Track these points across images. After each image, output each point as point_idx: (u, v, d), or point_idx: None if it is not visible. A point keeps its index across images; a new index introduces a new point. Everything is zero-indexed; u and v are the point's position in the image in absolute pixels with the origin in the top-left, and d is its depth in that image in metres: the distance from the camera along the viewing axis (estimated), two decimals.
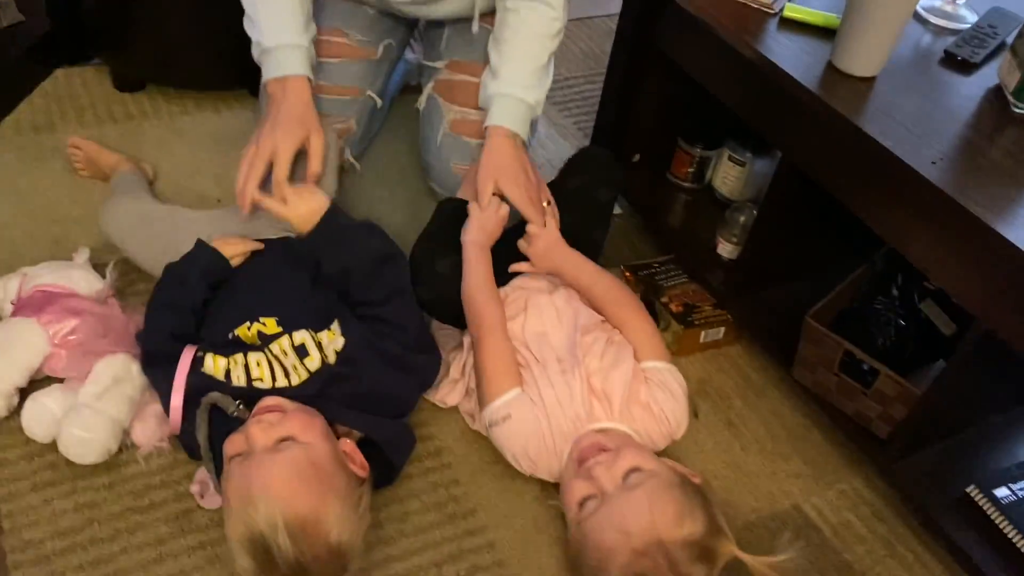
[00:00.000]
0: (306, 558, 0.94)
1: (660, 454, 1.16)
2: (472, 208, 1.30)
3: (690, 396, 1.23)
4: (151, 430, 1.17)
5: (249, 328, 1.18)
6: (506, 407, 1.15)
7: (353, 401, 1.14)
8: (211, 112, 1.77)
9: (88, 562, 1.07)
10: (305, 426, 1.06)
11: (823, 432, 1.35)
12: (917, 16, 1.33)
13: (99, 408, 1.13)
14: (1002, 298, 1.00)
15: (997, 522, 1.14)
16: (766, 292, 1.40)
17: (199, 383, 1.13)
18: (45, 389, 1.17)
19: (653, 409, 1.18)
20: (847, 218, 1.18)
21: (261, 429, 1.04)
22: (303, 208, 1.21)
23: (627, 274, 1.49)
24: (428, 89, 1.55)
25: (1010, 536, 1.13)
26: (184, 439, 1.15)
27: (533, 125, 1.43)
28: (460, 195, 1.38)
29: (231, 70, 1.74)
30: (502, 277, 1.28)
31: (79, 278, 1.28)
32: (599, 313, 1.27)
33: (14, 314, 1.22)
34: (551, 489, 1.19)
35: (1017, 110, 1.15)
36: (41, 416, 1.14)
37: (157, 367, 1.17)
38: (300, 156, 1.30)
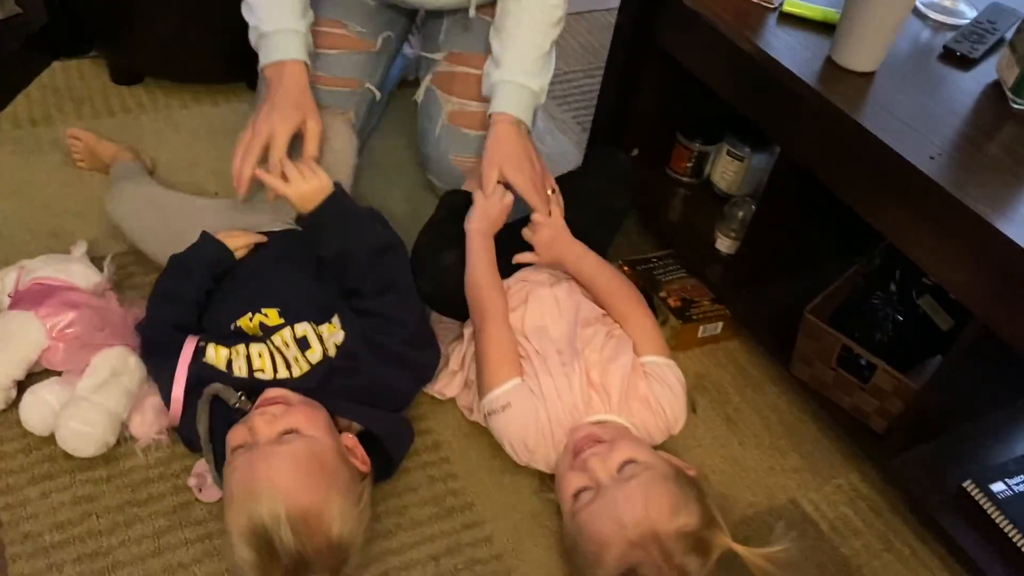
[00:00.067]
0: (307, 551, 0.94)
1: (657, 448, 1.16)
2: (476, 196, 1.29)
3: (688, 391, 1.23)
4: (149, 422, 1.17)
5: (251, 319, 1.18)
6: (506, 396, 1.15)
7: (353, 394, 1.14)
8: (209, 105, 1.77)
9: (86, 555, 1.07)
10: (309, 419, 1.06)
11: (820, 427, 1.35)
12: (916, 11, 1.33)
13: (97, 401, 1.13)
14: (999, 294, 1.00)
15: (993, 517, 1.15)
16: (764, 287, 1.40)
17: (200, 373, 1.13)
18: (43, 382, 1.17)
19: (651, 403, 1.18)
20: (845, 213, 1.18)
21: (265, 421, 1.04)
22: (304, 187, 1.19)
23: (625, 268, 1.49)
24: (426, 81, 1.55)
25: (1006, 531, 1.14)
26: (183, 431, 1.15)
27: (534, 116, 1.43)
28: (465, 188, 1.38)
29: (229, 63, 1.74)
30: (505, 269, 1.28)
31: (77, 271, 1.27)
32: (600, 306, 1.27)
33: (12, 307, 1.22)
34: (549, 483, 1.19)
35: (1015, 106, 1.15)
36: (39, 409, 1.14)
37: (158, 356, 1.17)
38: (298, 143, 1.30)
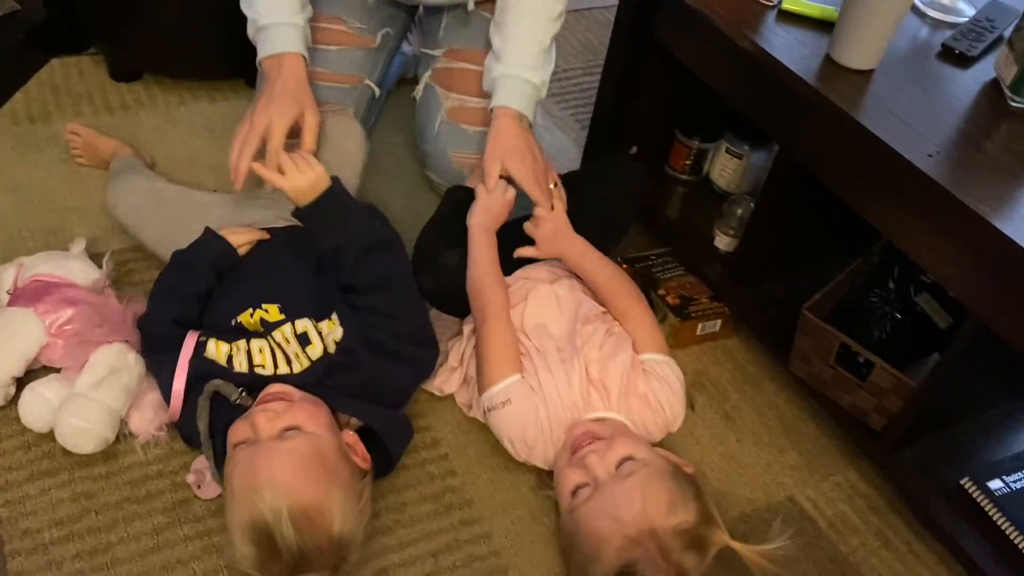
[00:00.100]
0: (308, 548, 0.95)
1: (656, 445, 1.16)
2: (479, 191, 1.29)
3: (686, 388, 1.23)
4: (148, 419, 1.17)
5: (252, 315, 1.18)
6: (506, 392, 1.15)
7: (352, 390, 1.14)
8: (207, 102, 1.77)
9: (85, 551, 1.07)
10: (311, 416, 1.06)
11: (818, 424, 1.36)
12: (915, 9, 1.33)
13: (96, 398, 1.13)
14: (997, 292, 1.00)
15: (991, 514, 1.15)
16: (763, 285, 1.40)
17: (201, 368, 1.13)
18: (42, 379, 1.17)
19: (650, 401, 1.18)
20: (844, 211, 1.18)
21: (267, 418, 1.04)
22: (301, 180, 1.18)
23: (624, 266, 1.49)
24: (425, 78, 1.55)
25: (1004, 528, 1.14)
26: (182, 426, 1.15)
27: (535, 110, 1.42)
28: (468, 184, 1.38)
29: (227, 60, 1.74)
30: (506, 267, 1.27)
31: (76, 268, 1.27)
32: (600, 302, 1.27)
33: (10, 304, 1.22)
34: (547, 479, 1.19)
35: (1014, 104, 1.15)
36: (38, 406, 1.14)
37: (158, 352, 1.17)
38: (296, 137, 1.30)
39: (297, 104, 1.29)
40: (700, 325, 1.43)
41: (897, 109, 1.12)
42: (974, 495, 1.17)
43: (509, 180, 1.30)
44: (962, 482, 1.18)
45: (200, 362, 1.13)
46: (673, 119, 1.59)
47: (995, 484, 1.16)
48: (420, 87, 1.56)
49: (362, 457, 1.09)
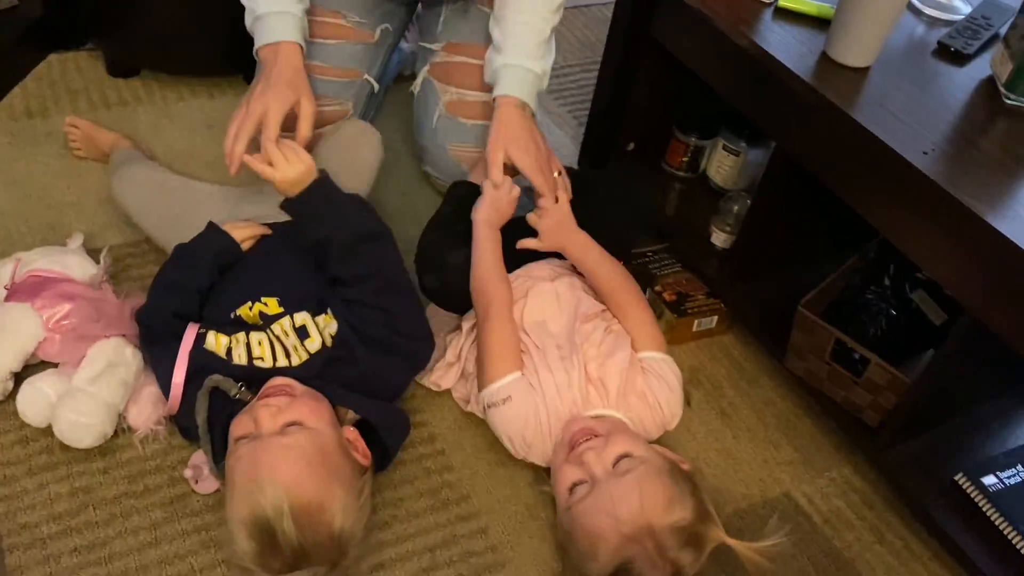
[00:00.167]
0: (308, 544, 0.95)
1: (652, 442, 1.17)
2: (486, 187, 1.28)
3: (683, 384, 1.23)
4: (147, 413, 1.17)
5: (251, 308, 1.18)
6: (507, 389, 1.15)
7: (349, 384, 1.15)
8: (205, 98, 1.77)
9: (83, 546, 1.07)
10: (312, 412, 1.06)
11: (814, 420, 1.36)
12: (911, 7, 1.34)
13: (93, 392, 1.13)
14: (992, 288, 1.01)
15: (985, 510, 1.16)
16: (759, 281, 1.40)
17: (200, 359, 1.13)
18: (40, 374, 1.17)
19: (648, 398, 1.18)
20: (840, 208, 1.18)
21: (269, 413, 1.04)
22: (290, 172, 1.18)
23: (620, 262, 1.50)
24: (423, 73, 1.55)
25: (997, 524, 1.14)
26: (181, 419, 1.15)
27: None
28: (472, 179, 1.37)
29: (225, 56, 1.74)
30: (509, 262, 1.26)
31: (73, 263, 1.28)
32: (600, 298, 1.27)
33: (8, 299, 1.22)
34: (544, 475, 1.20)
35: (1009, 101, 1.16)
36: (36, 401, 1.14)
37: (157, 344, 1.17)
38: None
39: (293, 92, 1.29)
40: (696, 321, 1.44)
41: (893, 106, 1.12)
42: (968, 491, 1.18)
43: (514, 172, 1.30)
44: (956, 478, 1.19)
45: (199, 353, 1.13)
46: (670, 116, 1.59)
47: (989, 480, 1.17)
48: (418, 82, 1.56)
49: (362, 453, 1.09)
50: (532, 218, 1.28)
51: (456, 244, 1.26)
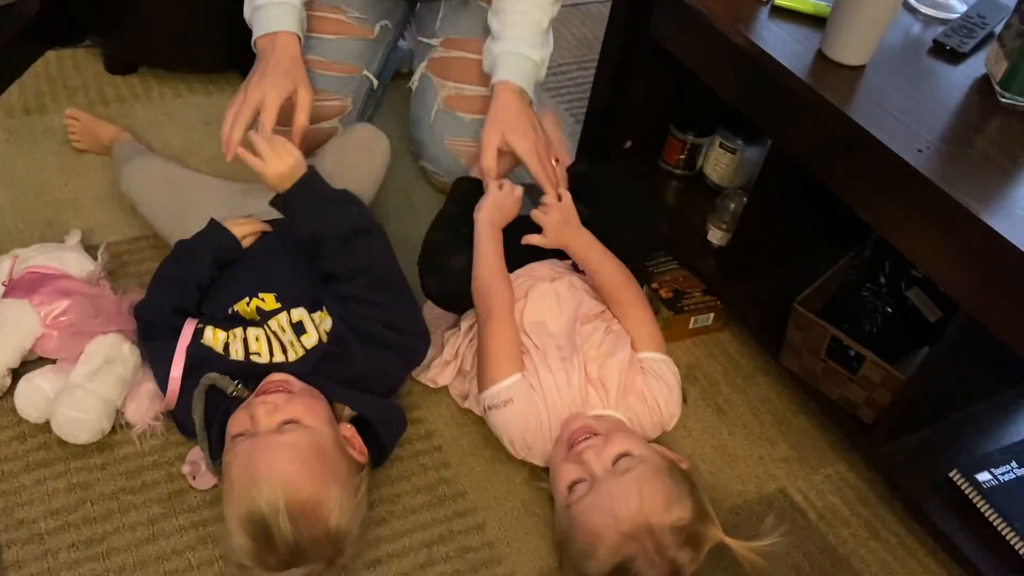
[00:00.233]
0: (304, 541, 0.95)
1: (650, 441, 1.17)
2: (490, 186, 1.28)
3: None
4: (144, 409, 1.17)
5: (248, 304, 1.18)
6: (508, 391, 1.15)
7: (345, 380, 1.15)
8: (203, 95, 1.77)
9: (81, 541, 1.08)
10: (309, 409, 1.06)
11: (809, 417, 1.37)
12: (907, 5, 1.34)
13: (91, 388, 1.13)
14: (986, 286, 1.01)
15: (979, 506, 1.16)
16: (755, 279, 1.41)
17: (198, 354, 1.13)
18: (38, 370, 1.17)
19: (647, 399, 1.18)
20: (836, 206, 1.19)
21: (266, 411, 1.04)
22: (279, 166, 1.19)
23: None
24: (421, 68, 1.55)
25: (991, 520, 1.15)
26: (178, 414, 1.15)
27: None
28: (474, 175, 1.37)
29: (223, 52, 1.74)
30: (510, 262, 1.26)
31: (71, 260, 1.28)
32: (601, 297, 1.27)
33: (6, 295, 1.22)
34: (540, 472, 1.20)
35: (1004, 100, 1.16)
36: (34, 397, 1.15)
37: (155, 339, 1.18)
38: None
39: (291, 80, 1.29)
40: (693, 319, 1.44)
41: (888, 105, 1.13)
42: (962, 487, 1.18)
43: (511, 174, 1.29)
44: (951, 474, 1.19)
45: (197, 348, 1.14)
46: (667, 114, 1.59)
47: (983, 476, 1.17)
48: (416, 77, 1.56)
49: (359, 450, 1.09)
50: (537, 214, 1.27)
51: (459, 247, 1.25)
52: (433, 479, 1.20)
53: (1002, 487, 1.17)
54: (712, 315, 1.45)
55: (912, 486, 1.19)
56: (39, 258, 1.26)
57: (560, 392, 1.15)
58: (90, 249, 1.34)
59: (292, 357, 1.15)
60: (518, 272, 1.29)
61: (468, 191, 1.33)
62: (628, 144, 1.63)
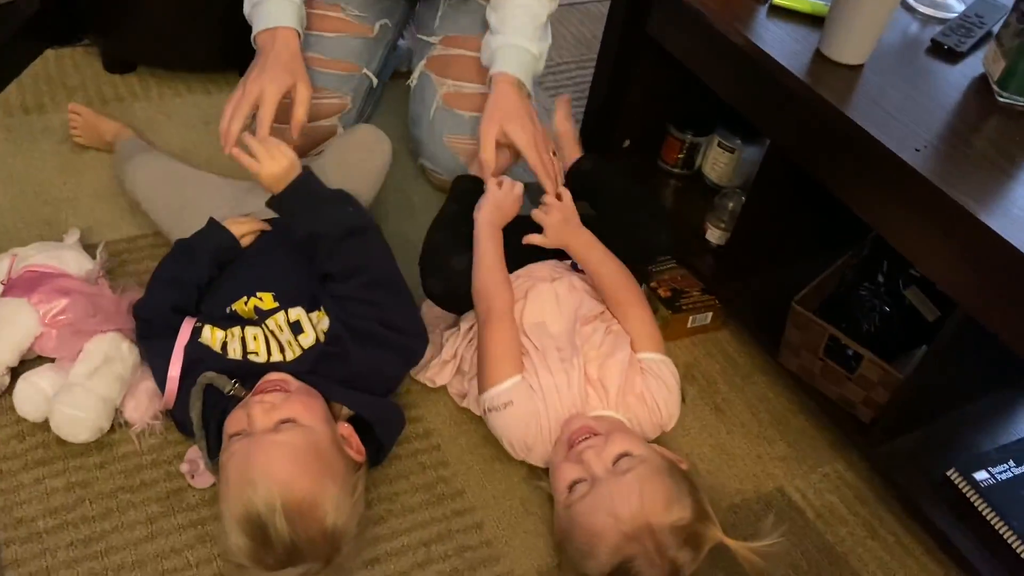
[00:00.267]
0: (301, 540, 0.95)
1: (650, 442, 1.17)
2: (490, 186, 1.28)
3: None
4: (143, 407, 1.17)
5: (246, 303, 1.18)
6: (508, 393, 1.15)
7: (343, 379, 1.15)
8: (202, 94, 1.77)
9: (79, 540, 1.08)
10: (306, 408, 1.06)
11: (807, 416, 1.37)
12: (904, 5, 1.34)
13: (90, 387, 1.13)
14: (984, 285, 1.02)
15: (976, 505, 1.16)
16: (753, 278, 1.41)
17: (196, 353, 1.14)
18: (36, 369, 1.17)
19: (647, 399, 1.18)
20: (834, 205, 1.19)
21: (263, 410, 1.04)
22: (274, 167, 1.19)
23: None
24: (420, 66, 1.55)
25: (989, 519, 1.15)
26: (177, 413, 1.15)
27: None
28: (473, 172, 1.37)
29: (222, 52, 1.74)
30: (510, 262, 1.26)
31: (70, 258, 1.28)
32: (601, 297, 1.27)
33: (4, 294, 1.22)
34: (539, 470, 1.20)
35: (1001, 99, 1.16)
36: (32, 395, 1.15)
37: (154, 338, 1.18)
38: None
39: (290, 75, 1.29)
40: (691, 318, 1.44)
41: (886, 104, 1.13)
42: (960, 486, 1.18)
43: (511, 172, 1.29)
44: (948, 473, 1.19)
45: (195, 347, 1.14)
46: (666, 113, 1.60)
47: (981, 475, 1.18)
48: (415, 75, 1.56)
49: (356, 450, 1.09)
50: (538, 214, 1.27)
51: (460, 248, 1.25)
52: (431, 478, 1.21)
53: (1000, 486, 1.17)
54: (710, 314, 1.45)
55: (910, 485, 1.20)
56: (38, 257, 1.26)
57: (560, 393, 1.15)
58: (89, 248, 1.34)
59: (290, 356, 1.15)
60: (518, 272, 1.29)
61: (468, 189, 1.33)
62: (627, 143, 1.63)
